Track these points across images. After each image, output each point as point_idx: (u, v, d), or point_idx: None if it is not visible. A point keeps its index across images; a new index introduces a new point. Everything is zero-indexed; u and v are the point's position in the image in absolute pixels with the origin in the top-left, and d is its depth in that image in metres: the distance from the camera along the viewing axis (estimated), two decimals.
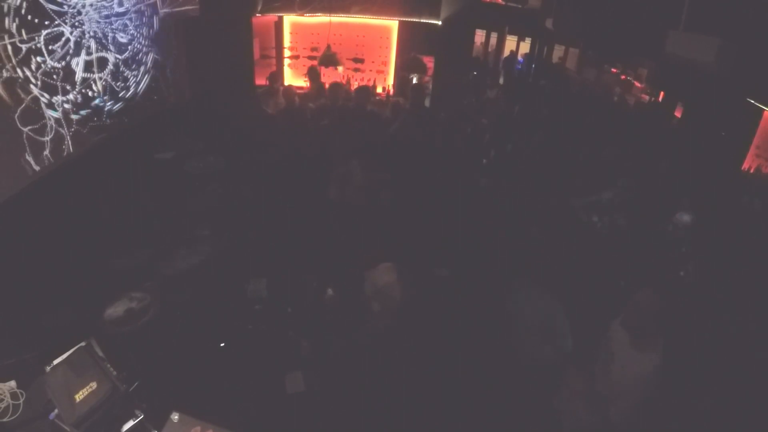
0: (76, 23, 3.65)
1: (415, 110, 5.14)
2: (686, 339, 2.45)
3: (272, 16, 7.14)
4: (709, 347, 2.65)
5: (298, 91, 6.28)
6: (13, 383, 2.20)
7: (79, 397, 2.00)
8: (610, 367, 2.29)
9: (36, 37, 3.25)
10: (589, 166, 4.76)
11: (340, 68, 7.03)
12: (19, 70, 3.11)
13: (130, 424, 2.06)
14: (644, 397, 2.15)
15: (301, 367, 2.64)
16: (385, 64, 7.52)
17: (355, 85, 6.99)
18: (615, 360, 2.27)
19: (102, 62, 4.06)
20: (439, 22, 7.01)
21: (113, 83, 4.26)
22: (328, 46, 6.40)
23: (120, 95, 4.38)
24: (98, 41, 3.97)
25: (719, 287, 3.03)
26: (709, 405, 2.44)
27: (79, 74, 3.76)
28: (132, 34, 4.48)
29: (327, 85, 6.29)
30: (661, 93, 6.75)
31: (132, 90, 4.58)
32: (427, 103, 7.11)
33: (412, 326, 2.10)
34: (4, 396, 2.12)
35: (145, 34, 4.70)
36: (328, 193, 4.09)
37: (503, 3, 7.70)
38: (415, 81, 7.11)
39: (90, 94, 3.94)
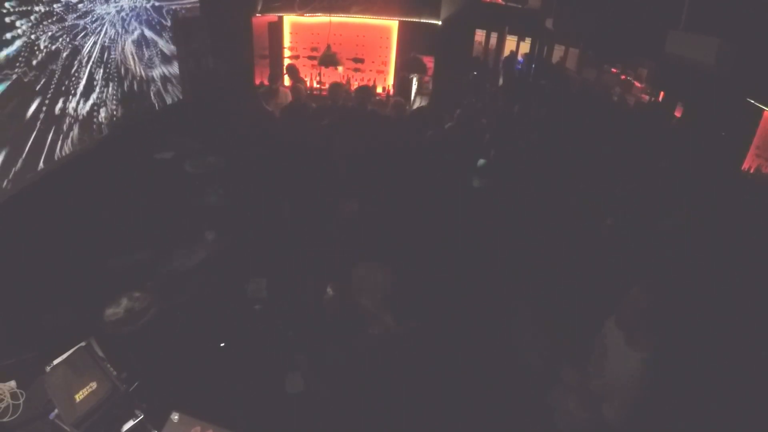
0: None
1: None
2: (681, 338, 2.44)
3: (266, 18, 7.15)
4: (707, 346, 2.64)
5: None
6: (13, 383, 2.20)
7: (79, 397, 2.00)
8: (604, 365, 2.29)
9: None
10: (589, 165, 4.76)
11: (340, 68, 7.03)
12: None
13: (130, 424, 2.05)
14: (638, 396, 2.14)
15: (301, 365, 2.63)
16: (385, 64, 7.52)
17: (355, 85, 7.00)
18: (609, 357, 2.27)
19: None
20: (439, 22, 7.01)
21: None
22: (328, 46, 6.40)
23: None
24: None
25: (718, 287, 3.02)
26: (707, 405, 2.44)
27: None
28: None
29: (327, 85, 6.30)
30: (661, 93, 6.76)
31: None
32: (420, 102, 7.14)
33: (408, 323, 2.09)
34: (4, 396, 2.12)
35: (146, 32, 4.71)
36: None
37: (503, 3, 7.70)
38: (415, 81, 7.12)
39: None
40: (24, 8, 3.09)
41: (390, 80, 7.56)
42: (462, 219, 3.75)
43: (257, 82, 6.82)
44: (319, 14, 6.99)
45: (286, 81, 6.87)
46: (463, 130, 5.13)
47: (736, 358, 2.64)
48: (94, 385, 2.04)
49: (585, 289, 3.03)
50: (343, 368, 2.15)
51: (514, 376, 2.74)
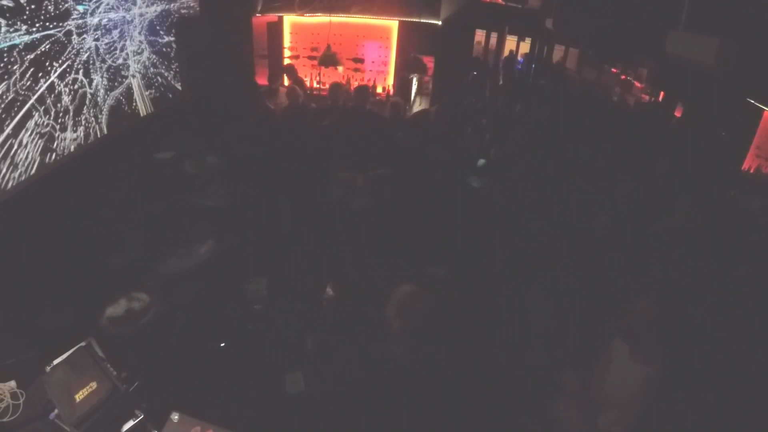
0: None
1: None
2: (684, 351, 2.40)
3: (265, 18, 7.14)
4: (709, 358, 2.60)
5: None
6: (13, 383, 2.19)
7: (79, 397, 2.00)
8: (605, 376, 2.26)
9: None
10: (589, 165, 4.76)
11: (340, 68, 7.03)
12: None
13: (130, 424, 2.05)
14: (636, 411, 2.11)
15: (302, 365, 2.64)
16: (385, 64, 7.52)
17: (355, 85, 7.00)
18: (611, 369, 2.24)
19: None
20: (439, 22, 7.01)
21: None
22: (328, 46, 6.40)
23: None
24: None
25: (719, 291, 3.00)
26: (709, 421, 2.40)
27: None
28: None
29: (327, 85, 6.30)
30: (661, 93, 6.76)
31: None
32: (420, 102, 7.13)
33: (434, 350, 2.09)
34: (4, 396, 2.12)
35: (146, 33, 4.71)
36: (331, 193, 4.09)
37: (503, 3, 7.70)
38: (415, 81, 7.12)
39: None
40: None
41: (390, 80, 7.56)
42: (462, 219, 3.75)
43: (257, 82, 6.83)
44: (319, 14, 6.99)
45: (286, 81, 6.87)
46: (452, 126, 5.10)
47: (738, 367, 2.61)
48: (94, 385, 2.04)
49: (589, 294, 3.01)
50: (354, 371, 2.15)
51: (516, 380, 2.73)
